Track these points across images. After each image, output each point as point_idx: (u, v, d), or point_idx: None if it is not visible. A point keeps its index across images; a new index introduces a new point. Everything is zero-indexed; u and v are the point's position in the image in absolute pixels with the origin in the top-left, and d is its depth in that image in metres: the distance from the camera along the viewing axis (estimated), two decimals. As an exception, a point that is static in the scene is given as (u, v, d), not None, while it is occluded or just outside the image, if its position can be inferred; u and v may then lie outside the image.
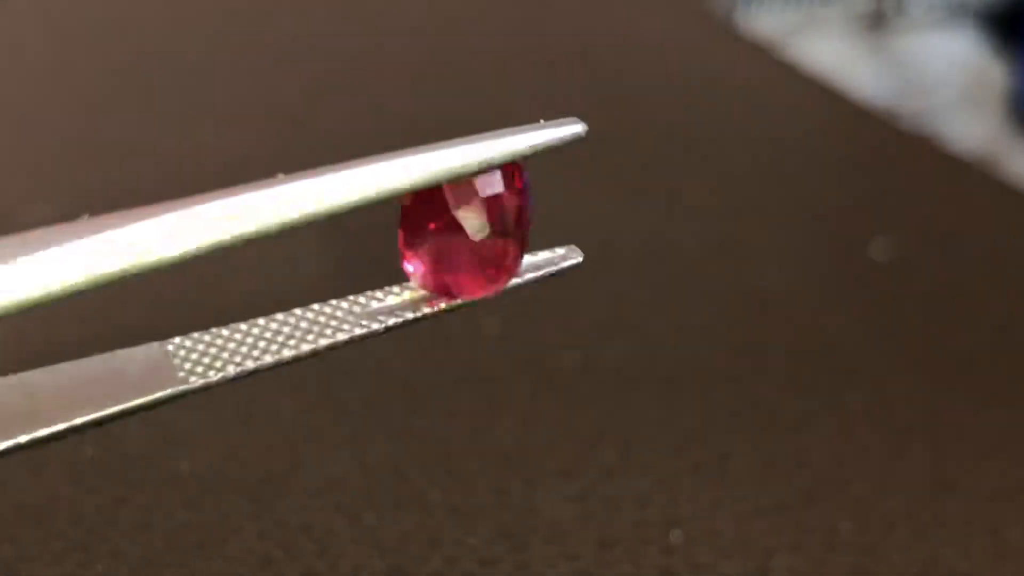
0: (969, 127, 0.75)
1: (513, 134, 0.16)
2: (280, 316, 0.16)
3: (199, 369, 0.15)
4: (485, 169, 0.16)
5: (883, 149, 0.36)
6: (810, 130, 0.37)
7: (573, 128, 0.16)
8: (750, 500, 0.23)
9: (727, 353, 0.26)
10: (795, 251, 0.30)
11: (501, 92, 0.36)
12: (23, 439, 0.14)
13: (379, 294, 0.16)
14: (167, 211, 0.13)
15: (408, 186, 0.14)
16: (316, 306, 0.16)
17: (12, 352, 0.21)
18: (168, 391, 0.15)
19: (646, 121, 0.36)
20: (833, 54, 0.73)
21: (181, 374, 0.15)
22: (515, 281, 0.16)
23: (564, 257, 0.17)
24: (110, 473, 0.22)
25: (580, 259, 0.17)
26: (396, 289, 0.16)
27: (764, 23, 0.74)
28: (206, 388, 0.15)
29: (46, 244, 0.13)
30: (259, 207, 0.14)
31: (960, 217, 0.33)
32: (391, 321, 0.16)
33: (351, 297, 0.16)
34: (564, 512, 0.22)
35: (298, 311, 0.16)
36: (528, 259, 0.17)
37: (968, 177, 0.35)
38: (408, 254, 0.16)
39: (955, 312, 0.29)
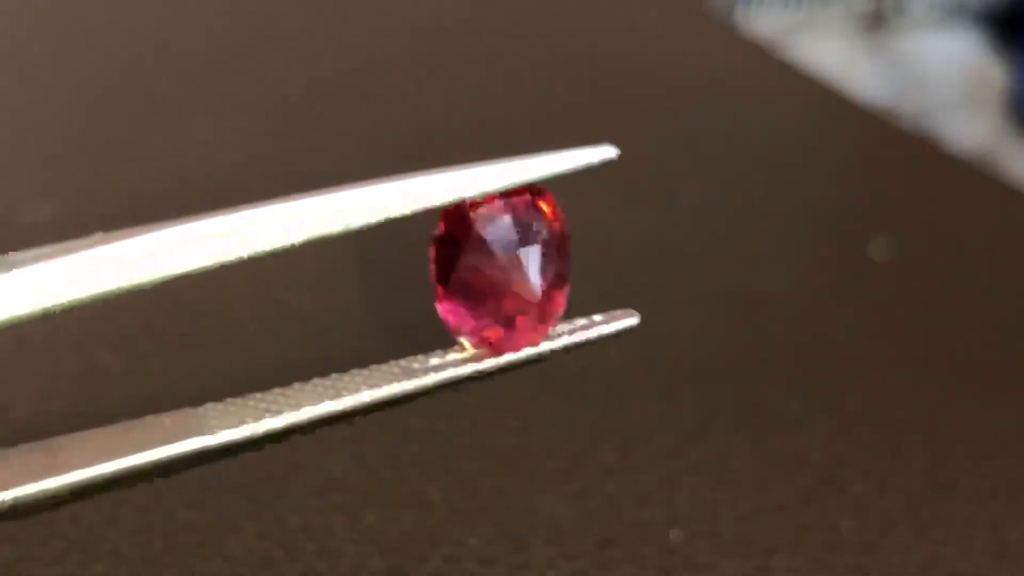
0: (968, 127, 0.75)
1: (543, 156, 0.15)
2: (318, 380, 0.15)
3: (229, 425, 0.15)
4: (514, 191, 0.15)
5: (882, 149, 0.36)
6: (810, 130, 0.37)
7: (605, 152, 0.15)
8: (750, 499, 0.23)
9: (727, 353, 0.26)
10: (795, 251, 0.30)
11: (501, 92, 0.36)
12: (42, 486, 0.14)
13: (420, 358, 0.16)
14: (173, 225, 0.13)
15: (433, 205, 0.14)
16: (355, 370, 0.16)
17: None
18: (195, 445, 0.14)
19: (645, 121, 0.36)
20: (833, 54, 0.73)
21: (210, 430, 0.15)
22: (568, 340, 0.16)
23: (620, 317, 0.16)
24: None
25: (636, 320, 0.16)
26: (439, 352, 0.16)
27: (764, 23, 0.74)
28: (235, 446, 0.15)
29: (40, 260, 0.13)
30: (261, 224, 0.14)
31: (959, 217, 0.33)
32: (433, 381, 0.15)
33: (392, 362, 0.16)
34: (564, 512, 0.22)
35: (335, 376, 0.16)
36: (582, 321, 0.16)
37: (967, 177, 0.35)
38: (441, 290, 0.15)
39: (954, 312, 0.29)
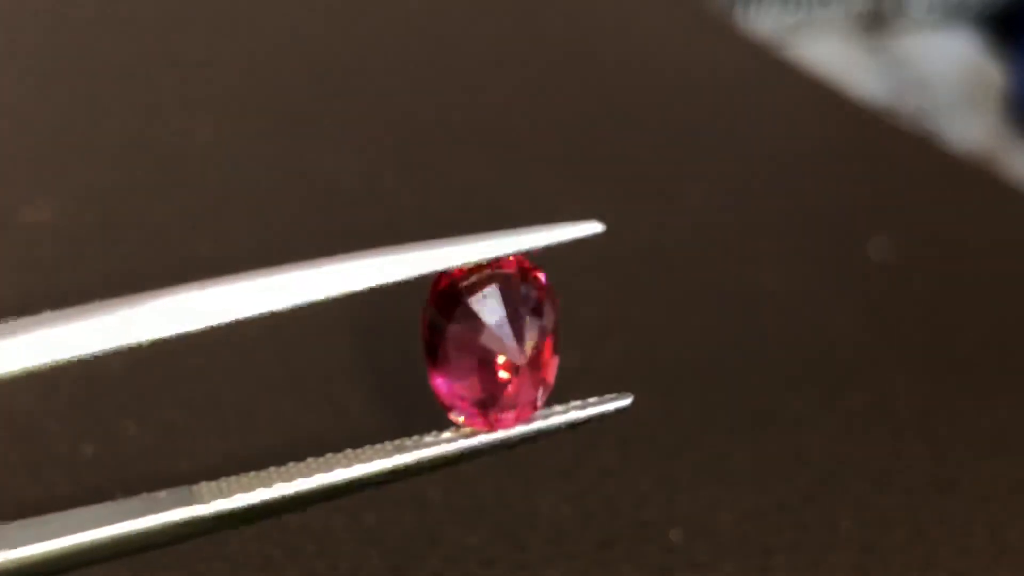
0: (967, 127, 0.75)
1: (527, 233, 0.15)
2: (312, 461, 0.16)
3: (222, 497, 0.15)
4: (502, 261, 0.15)
5: (881, 149, 0.36)
6: (809, 130, 0.37)
7: (592, 227, 0.16)
8: (750, 499, 0.23)
9: (726, 352, 0.26)
10: (794, 250, 0.30)
11: (499, 91, 0.36)
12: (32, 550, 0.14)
13: (415, 438, 0.16)
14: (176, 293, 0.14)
15: (414, 276, 0.14)
16: (351, 451, 0.16)
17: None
18: (187, 514, 0.15)
19: (644, 120, 0.36)
20: (832, 54, 0.73)
21: (202, 500, 0.15)
22: (558, 420, 0.16)
23: (613, 399, 0.17)
24: (109, 473, 0.22)
25: (630, 400, 0.17)
26: (434, 432, 0.16)
27: (763, 23, 0.74)
28: (227, 516, 0.15)
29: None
30: (249, 292, 0.14)
31: (958, 216, 0.33)
32: (425, 458, 0.16)
33: (387, 442, 0.16)
34: (564, 512, 0.22)
35: (330, 455, 0.16)
36: (575, 402, 0.16)
37: (966, 177, 0.35)
38: (430, 359, 0.15)
39: (953, 311, 0.29)
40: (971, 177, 0.35)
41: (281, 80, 0.36)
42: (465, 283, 0.15)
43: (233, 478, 0.15)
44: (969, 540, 0.22)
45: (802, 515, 0.22)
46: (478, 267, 0.15)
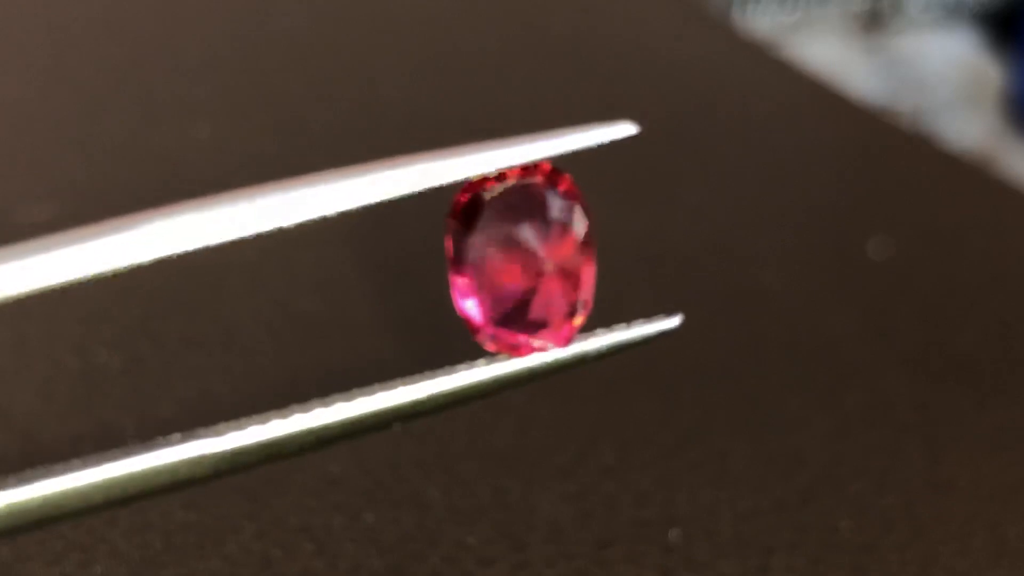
0: (966, 126, 0.75)
1: (555, 137, 0.15)
2: (335, 396, 0.15)
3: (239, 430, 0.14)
4: (526, 168, 0.14)
5: (880, 148, 0.36)
6: (807, 130, 0.37)
7: (625, 129, 0.15)
8: (749, 499, 0.23)
9: (725, 352, 0.26)
10: (792, 250, 0.30)
11: (498, 91, 0.36)
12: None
13: (444, 368, 0.15)
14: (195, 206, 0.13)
15: (444, 182, 0.13)
16: (376, 384, 0.15)
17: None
18: (203, 449, 0.14)
19: (642, 120, 0.36)
20: (830, 53, 0.73)
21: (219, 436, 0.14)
22: (598, 343, 0.15)
23: (660, 319, 0.16)
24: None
25: (678, 321, 0.16)
26: (466, 363, 0.15)
27: (761, 22, 0.74)
28: (242, 452, 0.14)
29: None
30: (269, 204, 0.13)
31: (957, 216, 0.33)
32: (458, 387, 0.14)
33: (412, 377, 0.15)
34: (563, 511, 0.22)
35: (354, 390, 0.15)
36: (620, 325, 0.15)
37: (965, 176, 0.35)
38: (456, 275, 0.14)
39: (952, 311, 0.29)
40: (969, 176, 0.35)
41: (280, 80, 0.36)
42: (488, 193, 0.14)
43: (251, 416, 0.15)
44: (968, 540, 0.22)
45: (801, 515, 0.22)
46: (501, 176, 0.14)
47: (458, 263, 0.14)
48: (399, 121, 0.34)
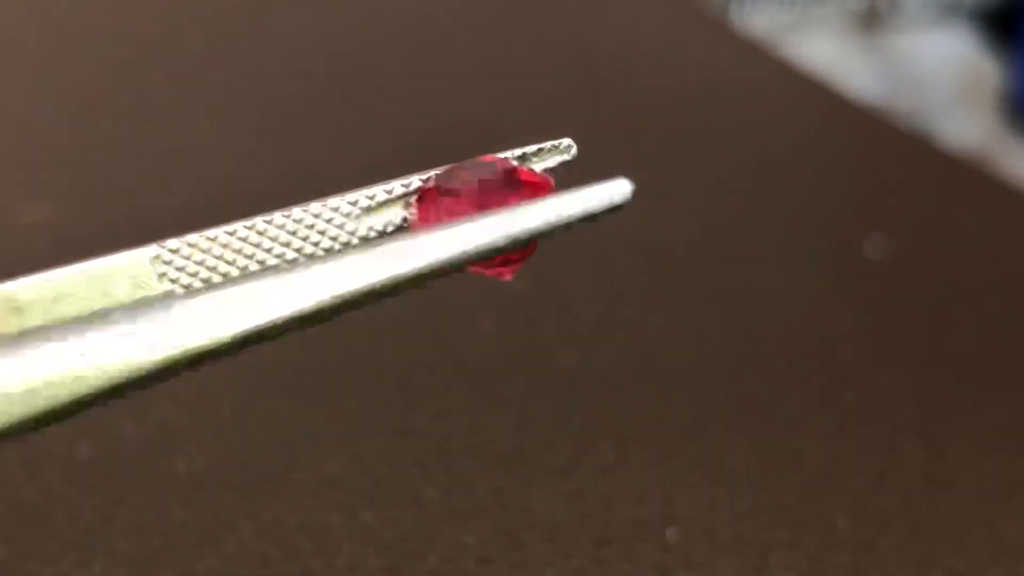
0: (963, 125, 0.75)
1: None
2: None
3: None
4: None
5: (878, 147, 0.36)
6: (805, 128, 0.37)
7: (622, 188, 0.15)
8: (747, 498, 0.23)
9: (723, 351, 0.26)
10: (791, 249, 0.30)
11: (496, 90, 0.36)
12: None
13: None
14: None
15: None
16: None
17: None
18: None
19: (640, 119, 0.36)
20: (828, 52, 0.73)
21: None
22: (562, 214, 0.15)
23: (612, 189, 0.15)
24: (106, 473, 0.22)
25: (630, 189, 0.15)
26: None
27: (759, 21, 0.74)
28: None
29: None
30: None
31: (955, 215, 0.33)
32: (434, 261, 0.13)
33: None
34: (561, 510, 0.22)
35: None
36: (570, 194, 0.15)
37: (962, 175, 0.35)
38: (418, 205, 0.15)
39: (950, 309, 0.29)
40: (967, 175, 0.35)
41: (279, 79, 0.36)
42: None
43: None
44: (965, 538, 0.22)
45: (799, 513, 0.22)
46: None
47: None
48: (394, 120, 0.34)
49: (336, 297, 0.13)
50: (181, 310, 0.13)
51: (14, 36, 0.36)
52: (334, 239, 0.14)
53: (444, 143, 0.33)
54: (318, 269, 0.13)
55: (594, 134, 0.36)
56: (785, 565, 0.21)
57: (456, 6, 0.41)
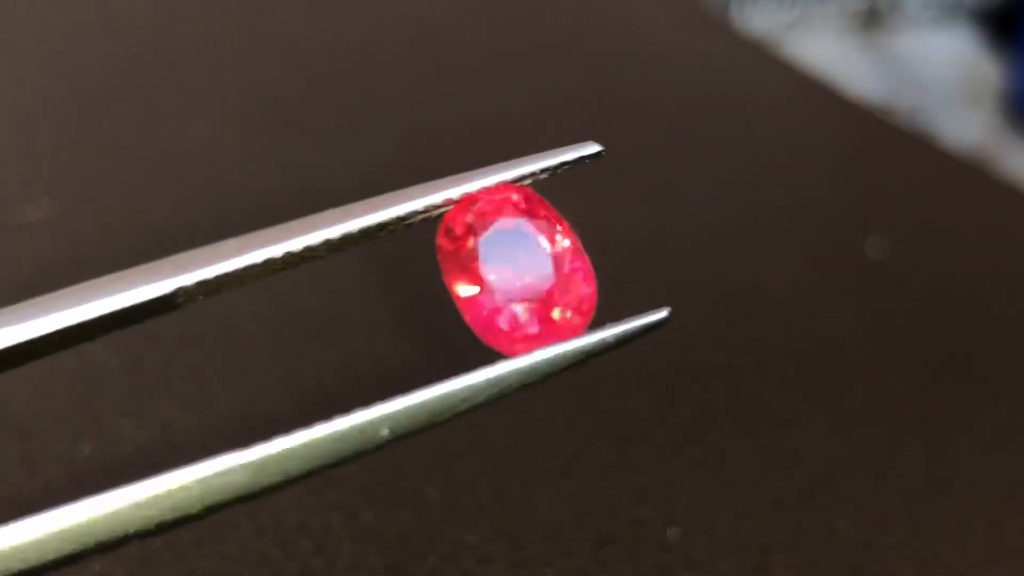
0: (964, 125, 0.75)
1: (527, 160, 0.15)
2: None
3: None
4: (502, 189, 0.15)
5: (878, 147, 0.36)
6: (805, 128, 0.37)
7: (589, 149, 0.15)
8: (747, 498, 0.23)
9: (724, 351, 0.26)
10: (791, 249, 0.30)
11: (495, 89, 0.36)
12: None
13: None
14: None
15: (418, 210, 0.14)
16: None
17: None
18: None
19: (640, 118, 0.36)
20: (828, 52, 0.73)
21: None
22: (594, 339, 0.15)
23: (649, 314, 0.16)
24: (107, 471, 0.22)
25: (666, 314, 0.16)
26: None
27: (759, 21, 0.74)
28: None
29: None
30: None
31: (955, 215, 0.33)
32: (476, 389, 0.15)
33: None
34: (562, 510, 0.22)
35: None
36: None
37: (963, 175, 0.35)
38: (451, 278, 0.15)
39: (951, 309, 0.29)
40: (968, 175, 0.35)
41: (279, 79, 0.36)
42: (471, 216, 0.15)
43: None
44: (966, 539, 0.22)
45: (799, 514, 0.22)
46: (473, 200, 0.15)
47: (461, 275, 0.15)
48: (394, 119, 0.34)
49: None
50: None
51: (14, 36, 0.36)
52: None
53: (443, 141, 0.33)
54: None
55: (593, 134, 0.36)
56: (785, 565, 0.21)
57: (456, 6, 0.41)
